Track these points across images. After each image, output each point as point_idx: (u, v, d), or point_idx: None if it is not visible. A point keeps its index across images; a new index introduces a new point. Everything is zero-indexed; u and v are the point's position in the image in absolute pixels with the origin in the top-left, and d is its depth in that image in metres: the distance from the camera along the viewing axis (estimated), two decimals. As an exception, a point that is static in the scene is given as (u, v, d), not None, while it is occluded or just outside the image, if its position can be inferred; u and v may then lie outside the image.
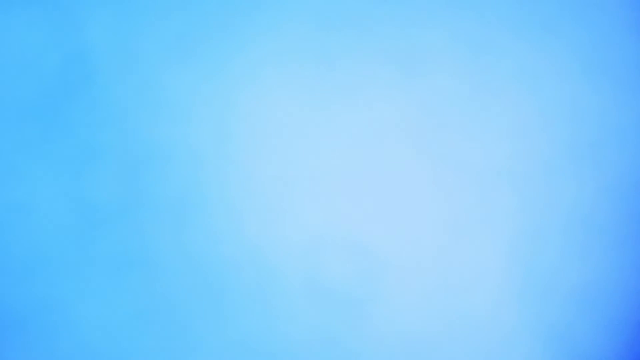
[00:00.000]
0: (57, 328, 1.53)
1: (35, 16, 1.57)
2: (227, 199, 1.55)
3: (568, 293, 1.55)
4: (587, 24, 1.59)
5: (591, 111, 1.58)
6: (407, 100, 1.58)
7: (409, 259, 1.55)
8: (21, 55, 1.57)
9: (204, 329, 1.53)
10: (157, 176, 1.55)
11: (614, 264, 1.56)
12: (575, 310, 1.55)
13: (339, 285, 1.54)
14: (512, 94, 1.58)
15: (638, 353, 1.55)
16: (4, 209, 1.55)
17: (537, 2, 1.59)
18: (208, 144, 1.56)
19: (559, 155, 1.57)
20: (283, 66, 1.58)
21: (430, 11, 1.59)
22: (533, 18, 1.59)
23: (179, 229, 1.55)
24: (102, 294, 1.53)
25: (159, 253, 1.54)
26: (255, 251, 1.55)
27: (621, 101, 1.59)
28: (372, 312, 1.54)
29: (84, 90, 1.56)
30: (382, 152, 1.57)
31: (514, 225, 1.56)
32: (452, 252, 1.55)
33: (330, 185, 1.56)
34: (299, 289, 1.54)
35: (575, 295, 1.55)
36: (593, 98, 1.59)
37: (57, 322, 1.53)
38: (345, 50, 1.58)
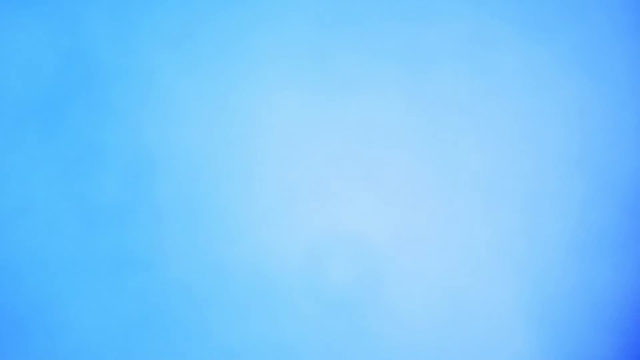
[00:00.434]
0: (56, 328, 1.53)
1: (35, 16, 1.57)
2: (227, 200, 1.55)
3: (568, 293, 1.55)
4: (589, 25, 1.59)
5: (593, 112, 1.58)
6: (409, 99, 1.57)
7: (409, 260, 1.55)
8: (21, 56, 1.57)
9: (205, 331, 1.53)
10: (158, 177, 1.55)
11: (614, 264, 1.56)
12: (575, 310, 1.54)
13: (341, 287, 1.54)
14: (513, 93, 1.57)
15: (637, 351, 1.55)
16: (5, 209, 1.55)
17: (538, 3, 1.59)
18: (208, 144, 1.56)
19: (560, 154, 1.56)
20: (284, 67, 1.57)
21: (432, 10, 1.58)
22: (534, 18, 1.58)
23: (179, 231, 1.54)
24: (102, 295, 1.53)
25: (160, 254, 1.54)
26: (256, 253, 1.54)
27: (623, 101, 1.58)
28: (373, 314, 1.54)
29: (84, 91, 1.56)
30: (384, 152, 1.56)
31: (515, 226, 1.55)
32: (453, 252, 1.55)
33: (332, 187, 1.56)
34: (300, 291, 1.54)
35: (576, 295, 1.55)
36: (595, 98, 1.58)
37: (57, 322, 1.53)
38: (345, 49, 1.57)
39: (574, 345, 1.54)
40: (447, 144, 1.56)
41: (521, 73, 1.57)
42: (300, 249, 1.55)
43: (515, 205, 1.55)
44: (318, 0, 1.58)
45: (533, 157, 1.56)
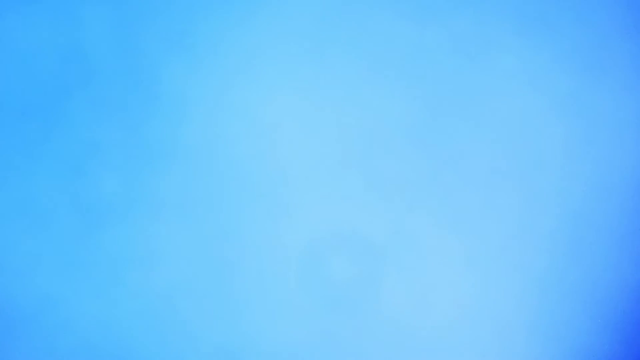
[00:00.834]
0: (56, 327, 1.53)
1: (33, 13, 1.57)
2: (226, 197, 1.55)
3: (566, 290, 1.55)
4: (589, 23, 1.59)
5: (593, 110, 1.58)
6: (408, 97, 1.57)
7: (409, 258, 1.55)
8: (19, 53, 1.56)
9: (204, 328, 1.53)
10: (157, 174, 1.55)
11: (613, 261, 1.56)
12: (573, 308, 1.55)
13: (340, 285, 1.54)
14: (513, 91, 1.57)
15: (637, 351, 1.55)
16: (3, 206, 1.55)
17: (538, 1, 1.59)
18: (208, 142, 1.56)
19: (559, 152, 1.57)
20: (284, 65, 1.57)
21: (429, 9, 1.58)
22: (532, 16, 1.58)
23: (179, 229, 1.54)
24: (103, 293, 1.53)
25: (159, 252, 1.54)
26: (256, 250, 1.54)
27: (622, 99, 1.58)
28: (372, 310, 1.54)
29: (83, 87, 1.56)
30: (382, 149, 1.56)
31: (514, 223, 1.55)
32: (452, 249, 1.55)
33: (329, 183, 1.56)
34: (299, 287, 1.54)
35: (574, 292, 1.55)
36: (594, 95, 1.58)
37: (57, 320, 1.53)
38: (344, 48, 1.57)
39: (574, 342, 1.54)
40: (446, 141, 1.56)
41: (521, 71, 1.57)
42: (300, 246, 1.54)
43: (514, 204, 1.55)
44: (318, 0, 1.58)
45: (533, 155, 1.56)
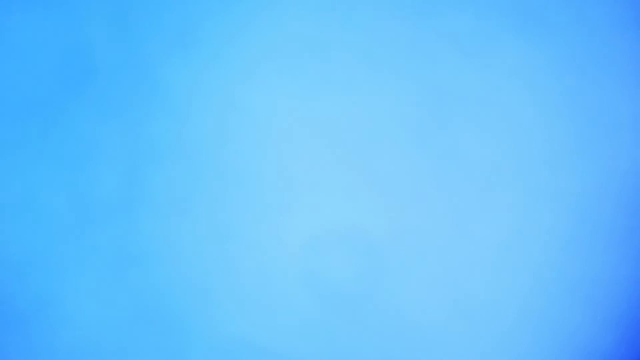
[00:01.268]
0: (56, 324, 1.52)
1: (35, 11, 1.57)
2: (226, 195, 1.55)
3: (568, 287, 1.54)
4: (586, 21, 1.59)
5: (590, 107, 1.58)
6: (407, 96, 1.57)
7: (409, 254, 1.54)
8: (21, 50, 1.57)
9: (203, 326, 1.53)
10: (156, 172, 1.55)
11: (614, 258, 1.55)
12: (575, 305, 1.54)
13: (339, 281, 1.54)
14: (511, 89, 1.57)
15: (638, 348, 1.54)
16: (4, 205, 1.54)
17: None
18: (207, 140, 1.55)
19: (559, 150, 1.56)
20: (284, 64, 1.57)
21: (428, 8, 1.58)
22: (532, 15, 1.58)
23: (177, 226, 1.54)
24: (101, 291, 1.53)
25: (158, 250, 1.54)
26: (256, 248, 1.54)
27: (620, 96, 1.58)
28: (373, 307, 1.53)
29: (83, 86, 1.56)
30: (383, 147, 1.56)
31: (514, 221, 1.55)
32: (452, 247, 1.55)
33: (330, 181, 1.55)
34: (299, 285, 1.54)
35: (575, 289, 1.54)
36: (593, 93, 1.58)
37: (56, 318, 1.53)
38: (344, 46, 1.57)
39: (573, 340, 1.54)
40: (446, 139, 1.56)
41: (520, 69, 1.57)
42: (300, 244, 1.54)
43: (514, 201, 1.55)
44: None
45: (532, 152, 1.56)
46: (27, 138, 1.55)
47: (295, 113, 1.57)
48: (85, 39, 1.57)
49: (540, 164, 1.56)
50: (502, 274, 1.54)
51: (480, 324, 1.54)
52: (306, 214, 1.55)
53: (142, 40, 1.57)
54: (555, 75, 1.58)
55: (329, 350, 1.53)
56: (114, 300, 1.53)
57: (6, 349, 1.52)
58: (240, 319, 1.53)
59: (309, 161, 1.56)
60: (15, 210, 1.54)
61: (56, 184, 1.55)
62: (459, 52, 1.57)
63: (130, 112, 1.56)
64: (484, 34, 1.58)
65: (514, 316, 1.54)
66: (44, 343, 1.53)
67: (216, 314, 1.53)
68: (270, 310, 1.53)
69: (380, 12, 1.58)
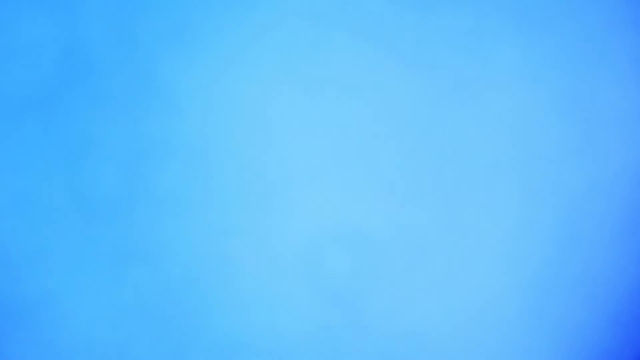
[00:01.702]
0: (55, 322, 1.52)
1: (33, 7, 1.56)
2: (226, 192, 1.54)
3: (569, 285, 1.55)
4: (586, 18, 1.58)
5: (592, 103, 1.58)
6: (405, 92, 1.57)
7: (408, 251, 1.54)
8: (19, 47, 1.56)
9: (204, 323, 1.53)
10: (156, 169, 1.55)
11: (614, 256, 1.56)
12: (575, 302, 1.54)
13: (339, 278, 1.54)
14: (510, 87, 1.57)
15: (638, 345, 1.55)
16: (2, 202, 1.54)
17: None
18: (207, 137, 1.55)
19: (560, 147, 1.56)
20: (283, 60, 1.57)
21: (428, 3, 1.58)
22: (532, 11, 1.58)
23: (178, 223, 1.54)
24: (101, 288, 1.53)
25: (159, 247, 1.53)
26: (256, 245, 1.54)
27: (619, 94, 1.58)
28: (372, 304, 1.53)
29: (82, 83, 1.56)
30: (383, 145, 1.56)
31: (513, 218, 1.55)
32: (452, 244, 1.55)
33: (330, 178, 1.55)
34: (299, 281, 1.54)
35: (575, 287, 1.55)
36: (594, 90, 1.58)
37: (55, 315, 1.52)
38: (345, 43, 1.57)
39: (573, 338, 1.54)
40: (446, 137, 1.56)
41: (520, 66, 1.57)
42: (300, 241, 1.54)
43: (513, 198, 1.55)
44: (318, -7, 1.58)
45: (532, 149, 1.56)
46: (26, 135, 1.55)
47: (295, 110, 1.56)
48: (84, 36, 1.56)
49: (540, 161, 1.56)
50: (502, 271, 1.54)
51: (480, 321, 1.54)
52: (307, 211, 1.54)
53: (141, 37, 1.57)
54: (555, 73, 1.58)
55: (329, 347, 1.54)
56: (114, 297, 1.53)
57: (5, 347, 1.52)
58: (240, 316, 1.53)
59: (309, 159, 1.55)
60: (14, 207, 1.54)
61: (56, 180, 1.54)
62: (460, 49, 1.57)
63: (130, 109, 1.55)
64: (484, 31, 1.57)
65: (514, 313, 1.54)
66: (43, 341, 1.52)
67: (216, 311, 1.53)
68: (270, 307, 1.53)
69: (381, 10, 1.57)
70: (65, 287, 1.53)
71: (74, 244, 1.53)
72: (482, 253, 1.55)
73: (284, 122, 1.56)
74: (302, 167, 1.55)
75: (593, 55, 1.58)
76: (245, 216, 1.54)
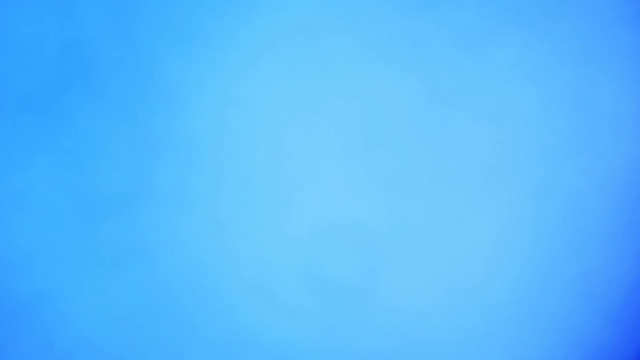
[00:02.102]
0: (55, 321, 1.52)
1: (30, 4, 1.56)
2: (227, 191, 1.54)
3: (568, 283, 1.54)
4: (587, 15, 1.59)
5: (592, 101, 1.58)
6: (406, 89, 1.57)
7: (410, 249, 1.54)
8: (17, 45, 1.56)
9: (204, 322, 1.52)
10: (155, 167, 1.54)
11: (614, 254, 1.55)
12: (575, 301, 1.54)
13: (340, 277, 1.53)
14: (512, 84, 1.57)
15: (637, 343, 1.55)
16: (1, 200, 1.54)
17: None
18: (206, 134, 1.55)
19: (559, 145, 1.56)
20: (281, 54, 1.57)
21: (430, 2, 1.58)
22: (532, 8, 1.58)
23: (177, 221, 1.54)
24: (101, 287, 1.53)
25: (159, 246, 1.53)
26: (255, 243, 1.54)
27: (622, 91, 1.58)
28: (374, 303, 1.53)
29: (82, 80, 1.56)
30: (383, 141, 1.56)
31: (514, 215, 1.55)
32: (453, 241, 1.55)
33: (330, 176, 1.55)
34: (299, 280, 1.53)
35: (575, 285, 1.54)
36: (593, 88, 1.58)
37: (55, 315, 1.52)
38: (343, 38, 1.57)
39: (573, 336, 1.54)
40: (446, 134, 1.56)
41: (521, 63, 1.57)
42: (301, 239, 1.54)
43: (515, 196, 1.55)
44: (318, -10, 1.58)
45: (533, 147, 1.56)
46: (26, 134, 1.55)
47: (295, 107, 1.56)
48: (83, 33, 1.56)
49: (540, 159, 1.56)
50: (502, 270, 1.54)
51: (481, 319, 1.54)
52: (307, 208, 1.54)
53: (141, 34, 1.57)
54: (556, 70, 1.58)
55: (330, 344, 1.53)
56: (114, 295, 1.53)
57: (5, 346, 1.51)
58: (241, 313, 1.53)
59: (309, 155, 1.55)
60: (14, 206, 1.54)
61: (55, 179, 1.54)
62: (459, 46, 1.57)
63: (130, 106, 1.55)
64: (485, 27, 1.58)
65: (514, 312, 1.54)
66: (43, 339, 1.52)
67: (217, 309, 1.52)
68: (271, 305, 1.53)
69: (381, 6, 1.58)
70: (65, 285, 1.52)
71: (73, 242, 1.53)
72: (483, 251, 1.55)
73: (285, 120, 1.56)
74: (304, 164, 1.55)
75: (594, 53, 1.58)
76: (246, 213, 1.54)
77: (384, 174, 1.56)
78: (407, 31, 1.57)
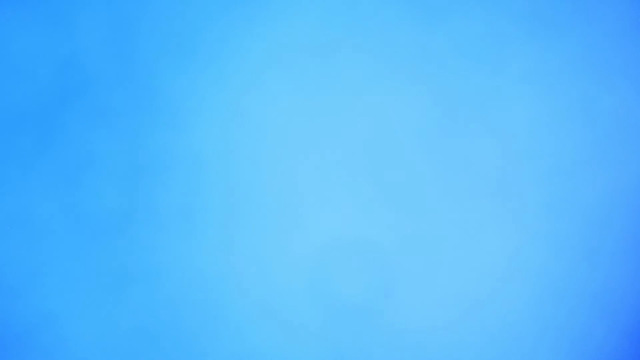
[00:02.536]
0: (53, 344, 1.49)
1: (28, 20, 1.54)
2: (231, 207, 1.52)
3: (582, 296, 1.53)
4: (598, 22, 1.57)
5: (603, 111, 1.56)
6: (417, 103, 1.55)
7: (421, 266, 1.52)
8: (14, 61, 1.54)
9: (209, 345, 1.50)
10: (157, 185, 1.52)
11: (629, 266, 1.54)
12: (591, 317, 1.52)
13: (349, 296, 1.51)
14: (522, 94, 1.56)
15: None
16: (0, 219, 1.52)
17: (548, 2, 1.58)
18: (209, 150, 1.53)
19: (571, 156, 1.55)
20: (288, 68, 1.55)
21: (438, 11, 1.57)
22: (543, 18, 1.57)
23: (180, 240, 1.51)
24: (101, 309, 1.50)
25: (160, 265, 1.51)
26: (261, 261, 1.52)
27: (633, 100, 1.57)
28: (384, 322, 1.51)
29: (80, 96, 1.54)
30: (391, 155, 1.54)
31: (528, 230, 1.53)
32: (465, 258, 1.53)
33: (338, 191, 1.53)
34: (307, 300, 1.51)
35: (591, 301, 1.53)
36: (605, 97, 1.57)
37: (54, 337, 1.50)
38: (350, 52, 1.55)
39: (588, 348, 1.52)
40: (457, 147, 1.54)
41: (532, 73, 1.56)
42: (307, 256, 1.52)
43: (528, 209, 1.53)
44: (324, 4, 1.56)
45: (546, 158, 1.55)
46: (22, 151, 1.53)
47: (301, 121, 1.54)
48: (81, 48, 1.55)
49: (553, 171, 1.55)
50: (516, 286, 1.52)
51: (494, 337, 1.52)
52: (315, 225, 1.52)
53: (140, 48, 1.55)
54: (568, 80, 1.56)
55: (339, 367, 1.51)
56: (114, 318, 1.50)
57: (3, 372, 1.49)
58: (247, 334, 1.50)
59: (316, 170, 1.53)
60: (10, 225, 1.51)
61: (52, 197, 1.52)
62: (469, 58, 1.56)
63: (130, 122, 1.53)
64: (495, 38, 1.56)
65: (528, 330, 1.52)
66: (43, 364, 1.50)
67: (223, 331, 1.50)
68: (278, 325, 1.50)
69: (388, 17, 1.56)
70: (63, 308, 1.50)
71: (72, 263, 1.51)
72: (495, 267, 1.53)
73: (288, 134, 1.54)
74: (310, 179, 1.53)
75: (608, 62, 1.57)
76: (251, 232, 1.52)
77: (393, 190, 1.54)
78: (416, 43, 1.56)
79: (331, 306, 1.51)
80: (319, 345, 1.50)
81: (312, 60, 1.55)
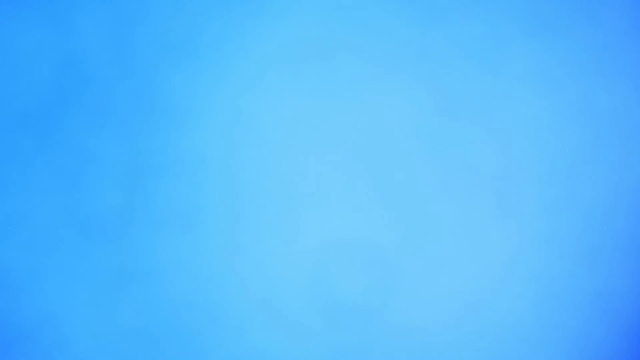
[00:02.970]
0: (54, 344, 1.49)
1: (28, 20, 1.55)
2: (231, 207, 1.52)
3: (582, 296, 1.53)
4: (600, 24, 1.58)
5: (603, 111, 1.57)
6: (417, 103, 1.56)
7: (420, 266, 1.52)
8: (13, 61, 1.54)
9: (209, 344, 1.50)
10: (157, 185, 1.52)
11: (629, 266, 1.54)
12: (590, 314, 1.53)
13: (349, 295, 1.52)
14: (522, 94, 1.56)
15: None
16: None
17: (548, 3, 1.58)
18: (209, 150, 1.53)
19: (571, 156, 1.55)
20: (288, 69, 1.55)
21: (438, 12, 1.57)
22: (543, 19, 1.58)
23: (180, 240, 1.52)
24: (101, 309, 1.50)
25: (160, 265, 1.51)
26: (261, 261, 1.52)
27: (633, 100, 1.57)
28: (384, 322, 1.51)
29: (80, 96, 1.54)
30: (392, 155, 1.55)
31: (529, 231, 1.54)
32: (465, 259, 1.53)
33: (338, 190, 1.54)
34: (308, 300, 1.51)
35: (590, 298, 1.53)
36: (605, 97, 1.57)
37: (54, 338, 1.50)
38: (352, 51, 1.56)
39: (591, 351, 1.52)
40: (457, 148, 1.55)
41: (532, 73, 1.56)
42: (307, 256, 1.52)
43: (528, 210, 1.54)
44: (324, 5, 1.56)
45: (545, 158, 1.55)
46: (21, 151, 1.53)
47: (301, 121, 1.55)
48: (81, 48, 1.55)
49: (553, 172, 1.55)
50: (515, 285, 1.53)
51: (494, 338, 1.52)
52: (315, 225, 1.52)
53: (140, 48, 1.55)
54: (569, 80, 1.57)
55: (339, 367, 1.51)
56: (115, 318, 1.50)
57: (3, 372, 1.49)
58: (248, 334, 1.50)
59: (316, 171, 1.54)
60: (9, 226, 1.52)
61: (52, 198, 1.52)
62: (468, 58, 1.56)
63: (129, 122, 1.53)
64: (495, 38, 1.57)
65: (528, 330, 1.52)
66: (43, 364, 1.50)
67: (223, 331, 1.50)
68: (279, 324, 1.51)
69: (388, 18, 1.56)
70: (63, 308, 1.50)
71: (72, 263, 1.51)
72: (496, 268, 1.53)
73: (288, 135, 1.54)
74: (310, 180, 1.53)
75: (608, 62, 1.57)
76: (249, 232, 1.52)
77: (393, 190, 1.54)
78: (416, 43, 1.56)
79: (331, 306, 1.52)
80: (319, 345, 1.51)
81: (313, 60, 1.56)
